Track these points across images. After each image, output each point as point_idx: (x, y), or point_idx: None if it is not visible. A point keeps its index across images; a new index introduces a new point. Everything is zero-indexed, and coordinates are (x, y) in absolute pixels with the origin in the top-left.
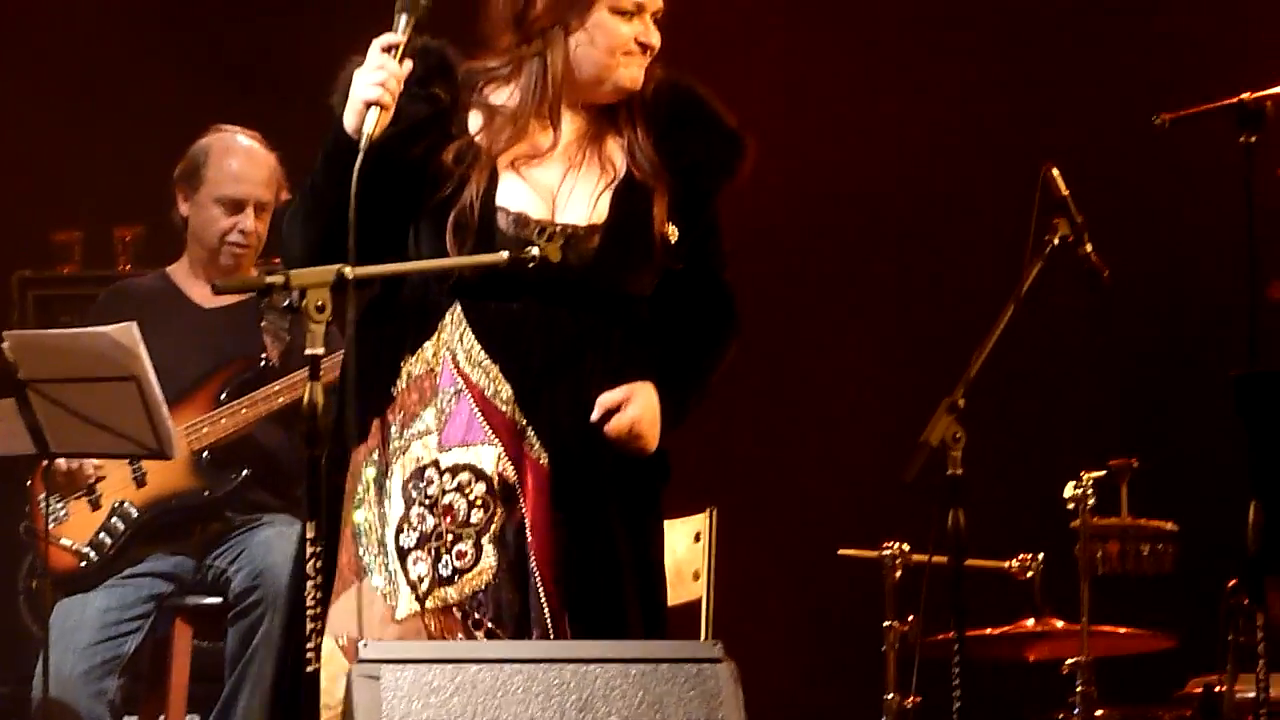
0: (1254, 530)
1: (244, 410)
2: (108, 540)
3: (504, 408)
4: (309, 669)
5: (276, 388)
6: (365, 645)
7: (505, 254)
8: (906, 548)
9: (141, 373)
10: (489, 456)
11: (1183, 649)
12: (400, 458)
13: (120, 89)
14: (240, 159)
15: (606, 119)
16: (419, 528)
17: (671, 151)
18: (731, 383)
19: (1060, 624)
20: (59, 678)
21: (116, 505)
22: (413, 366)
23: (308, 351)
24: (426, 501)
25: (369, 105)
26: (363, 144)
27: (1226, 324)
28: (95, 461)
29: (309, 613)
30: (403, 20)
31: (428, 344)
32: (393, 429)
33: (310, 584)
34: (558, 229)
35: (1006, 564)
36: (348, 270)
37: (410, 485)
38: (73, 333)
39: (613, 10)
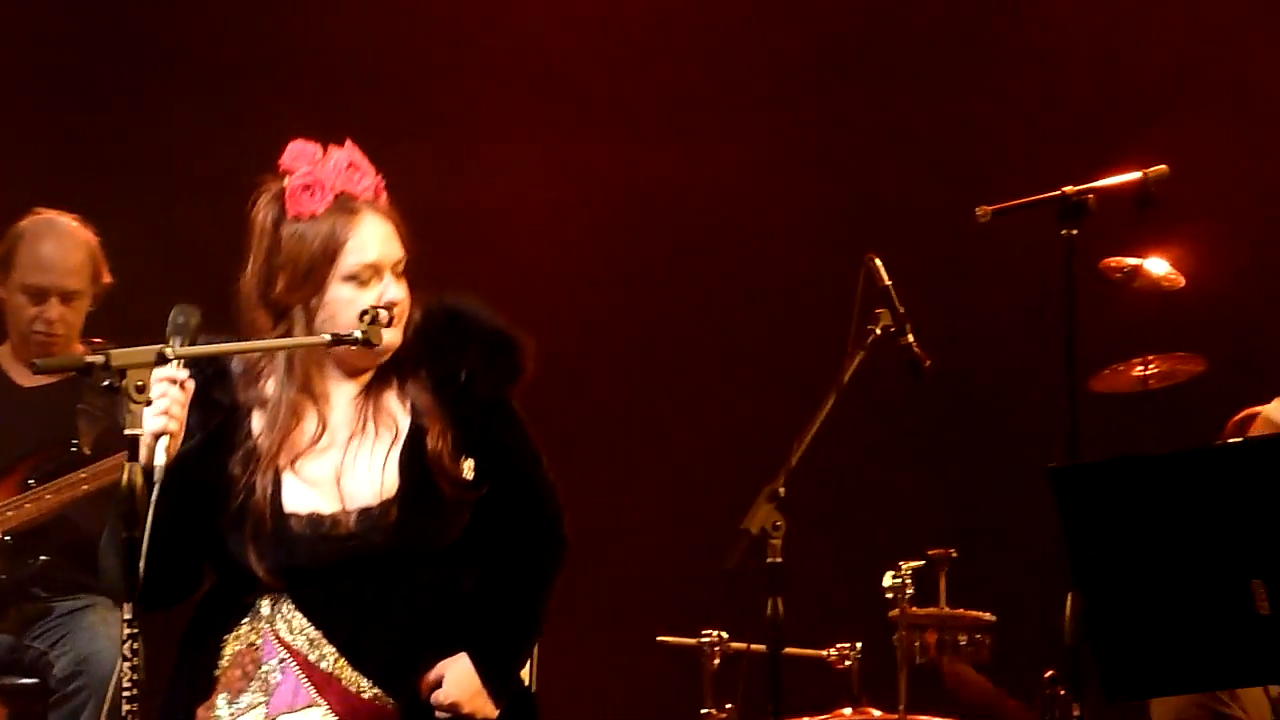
0: (1071, 621)
1: (48, 496)
2: None
3: (329, 668)
4: None
5: (83, 475)
6: None
7: (328, 337)
8: (725, 635)
9: None
10: (316, 718)
11: None
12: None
13: None
14: (51, 245)
15: (380, 373)
16: None
17: (449, 375)
18: (554, 469)
19: (878, 713)
20: None
21: None
22: (234, 644)
23: (127, 432)
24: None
25: (157, 437)
26: (157, 475)
27: (1046, 416)
28: None
29: (125, 694)
30: (176, 342)
31: (245, 621)
32: (219, 710)
33: (127, 665)
34: (353, 512)
35: (825, 652)
36: (168, 350)
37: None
38: None
39: (347, 280)
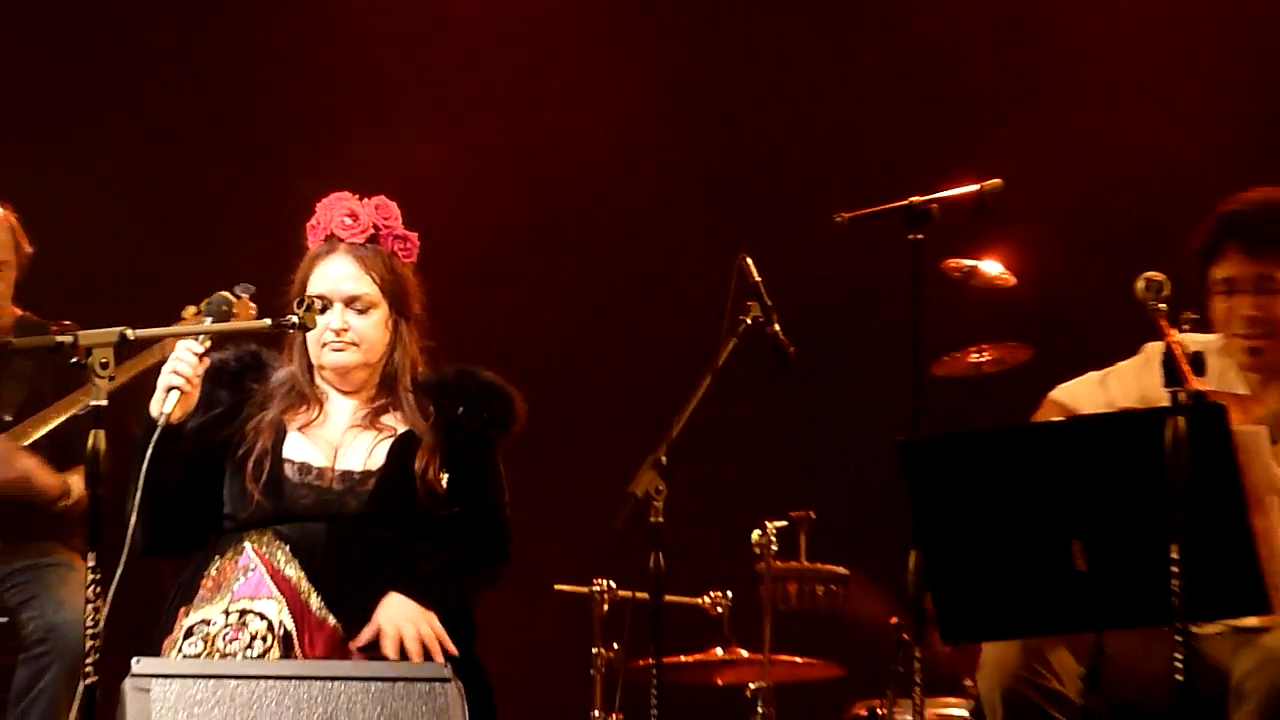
0: (914, 575)
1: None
2: None
3: (292, 577)
4: (88, 681)
5: (51, 414)
6: (137, 661)
7: (269, 321)
8: (613, 584)
9: None
10: (271, 608)
11: (850, 676)
12: (194, 620)
13: None
14: None
15: (382, 404)
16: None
17: (454, 420)
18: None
19: (745, 653)
20: None
21: None
22: (219, 562)
23: (91, 402)
24: (204, 632)
25: (169, 390)
26: (160, 422)
27: (894, 396)
28: None
29: (89, 631)
30: (207, 322)
31: (232, 547)
32: (196, 607)
33: (90, 606)
34: (338, 472)
35: (700, 600)
36: (129, 332)
37: (194, 627)
38: None
39: (311, 313)
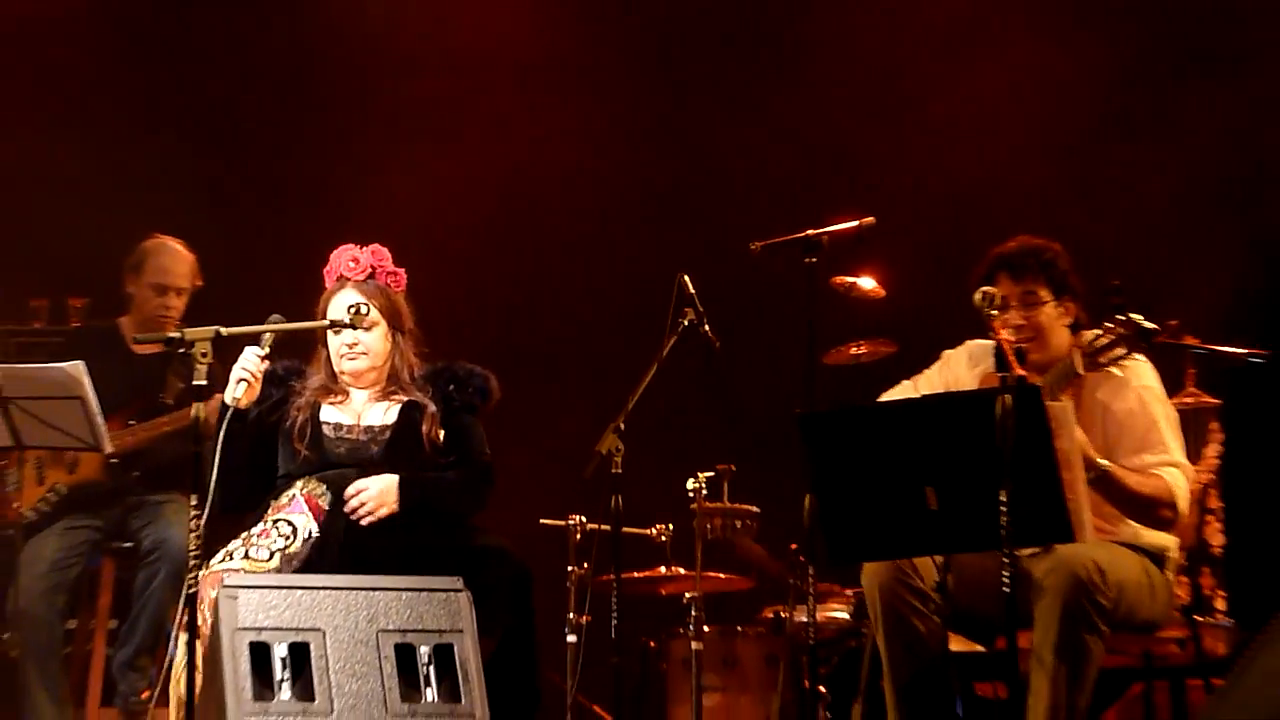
0: (809, 514)
1: (143, 432)
2: (44, 506)
3: (325, 505)
4: (190, 590)
5: (166, 421)
6: (227, 577)
7: (328, 320)
8: (584, 519)
9: (84, 395)
10: (301, 520)
11: (760, 588)
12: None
13: (83, 203)
14: (169, 258)
15: (390, 391)
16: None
17: (448, 395)
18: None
19: (682, 570)
20: (27, 594)
21: (54, 484)
22: (272, 505)
23: (194, 381)
24: (244, 535)
25: (239, 381)
26: (230, 405)
27: (795, 378)
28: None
29: (191, 551)
30: (264, 338)
31: (285, 493)
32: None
33: (192, 535)
34: (362, 428)
35: (649, 531)
36: (223, 330)
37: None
38: (40, 367)
39: (332, 334)
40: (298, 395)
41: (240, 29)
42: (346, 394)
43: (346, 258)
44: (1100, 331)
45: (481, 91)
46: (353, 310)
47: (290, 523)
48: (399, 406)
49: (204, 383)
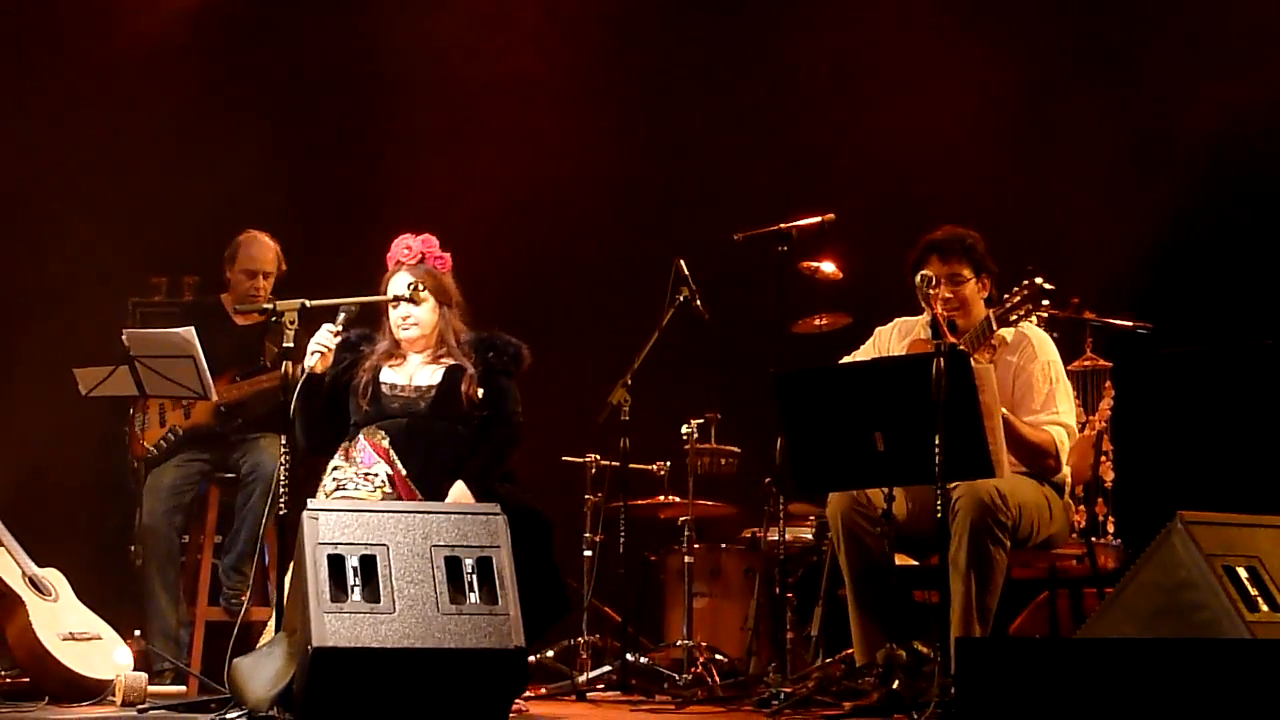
0: (780, 454)
1: (246, 387)
2: (164, 444)
3: (388, 450)
4: (281, 512)
5: (264, 377)
6: (310, 501)
7: (392, 295)
8: (599, 456)
9: (195, 354)
10: (381, 468)
11: (741, 514)
12: (330, 474)
13: (195, 201)
14: (257, 248)
15: (440, 354)
16: (329, 486)
17: (487, 360)
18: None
19: (677, 499)
20: (150, 514)
21: (172, 426)
22: (345, 447)
23: (284, 345)
24: (338, 479)
25: (314, 353)
26: (307, 371)
27: (769, 344)
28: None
29: (282, 479)
30: (340, 316)
31: (353, 440)
32: (331, 471)
33: (282, 469)
34: (412, 387)
35: (652, 466)
36: (308, 302)
37: (332, 477)
38: (161, 331)
39: (391, 308)
40: (366, 359)
41: (316, 60)
42: (404, 358)
43: (402, 245)
44: (1009, 294)
45: (509, 108)
46: (411, 288)
47: (376, 473)
48: (444, 369)
49: (291, 345)
